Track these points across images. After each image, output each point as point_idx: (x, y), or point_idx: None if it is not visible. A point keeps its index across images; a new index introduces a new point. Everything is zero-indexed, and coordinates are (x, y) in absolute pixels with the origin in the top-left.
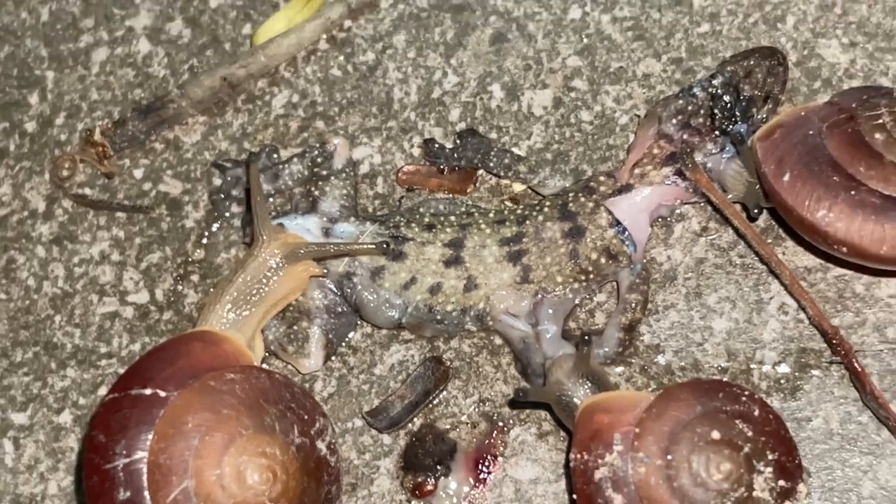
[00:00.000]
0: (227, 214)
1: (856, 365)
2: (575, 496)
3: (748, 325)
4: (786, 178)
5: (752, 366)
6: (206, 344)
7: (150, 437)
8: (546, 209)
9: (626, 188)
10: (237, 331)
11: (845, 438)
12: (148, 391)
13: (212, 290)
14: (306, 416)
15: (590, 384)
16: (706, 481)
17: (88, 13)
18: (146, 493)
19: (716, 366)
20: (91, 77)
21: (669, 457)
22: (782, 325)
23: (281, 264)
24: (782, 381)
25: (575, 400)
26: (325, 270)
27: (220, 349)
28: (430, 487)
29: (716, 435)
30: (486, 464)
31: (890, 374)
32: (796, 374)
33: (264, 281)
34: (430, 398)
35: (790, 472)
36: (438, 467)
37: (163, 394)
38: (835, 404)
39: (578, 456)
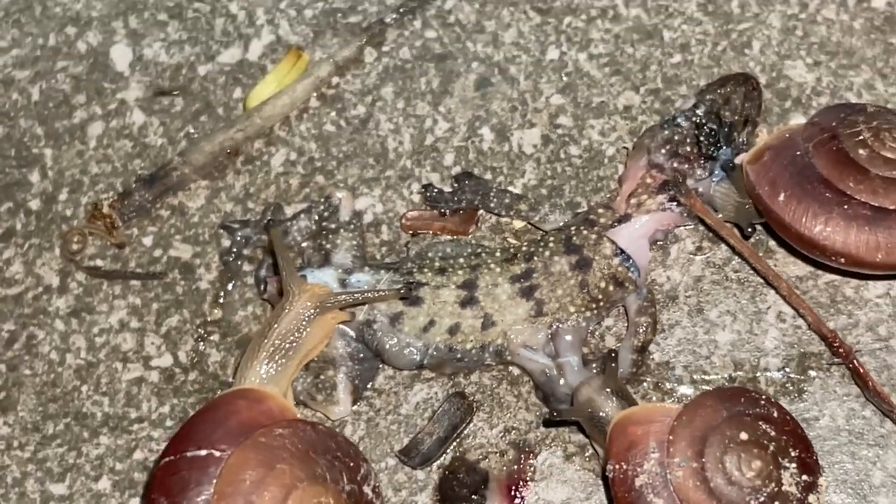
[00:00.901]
0: (240, 273)
1: (856, 364)
2: None
3: (750, 335)
4: (781, 197)
5: (757, 374)
6: (250, 402)
7: (211, 496)
8: (552, 244)
9: (625, 217)
10: (275, 385)
11: (852, 433)
12: (203, 452)
13: (239, 347)
14: (352, 464)
15: (617, 400)
16: (739, 480)
17: (79, 89)
18: None
19: (724, 376)
20: (89, 151)
21: (704, 459)
22: (782, 333)
23: (313, 315)
24: (788, 385)
25: (605, 415)
26: (353, 315)
27: (265, 406)
28: None
29: (744, 436)
30: (519, 490)
31: (886, 370)
32: (800, 377)
33: (298, 332)
34: (458, 432)
35: (811, 467)
36: (474, 497)
37: (217, 453)
38: (839, 402)
39: (617, 466)
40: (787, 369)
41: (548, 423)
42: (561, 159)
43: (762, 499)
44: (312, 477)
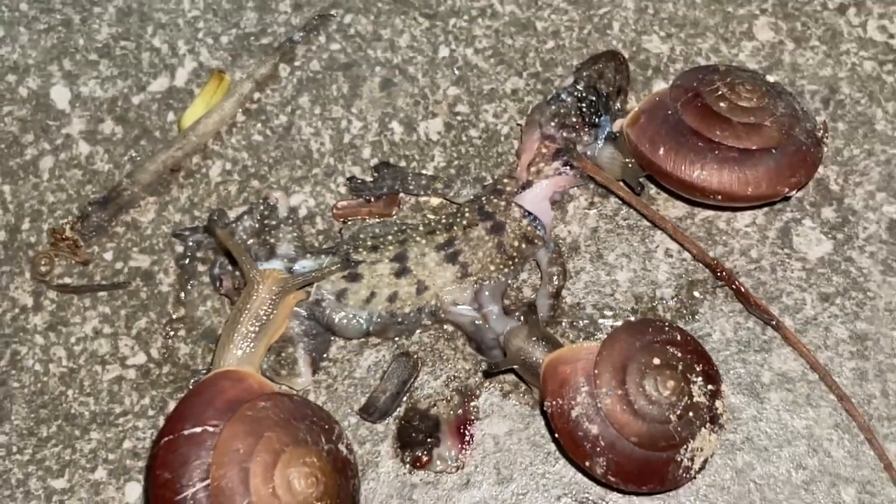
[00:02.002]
0: (196, 274)
1: (737, 284)
2: (557, 435)
3: (644, 271)
4: (661, 151)
5: (655, 303)
6: (232, 381)
7: (209, 466)
8: (467, 214)
9: (528, 184)
10: (250, 364)
11: (740, 343)
12: (198, 429)
13: (204, 338)
14: (326, 426)
15: (544, 344)
16: (658, 399)
17: (27, 130)
18: None
19: (627, 309)
20: (44, 183)
21: (626, 386)
22: (671, 266)
23: (277, 297)
24: (682, 310)
25: (536, 360)
26: (309, 294)
27: (246, 384)
28: (426, 458)
29: (656, 361)
30: (467, 428)
31: (761, 286)
32: (691, 301)
33: (265, 316)
34: (408, 386)
35: (713, 377)
36: (429, 440)
37: (211, 429)
38: (726, 318)
39: (554, 402)
40: (680, 296)
41: (487, 374)
42: (463, 142)
43: (679, 411)
44: (296, 441)
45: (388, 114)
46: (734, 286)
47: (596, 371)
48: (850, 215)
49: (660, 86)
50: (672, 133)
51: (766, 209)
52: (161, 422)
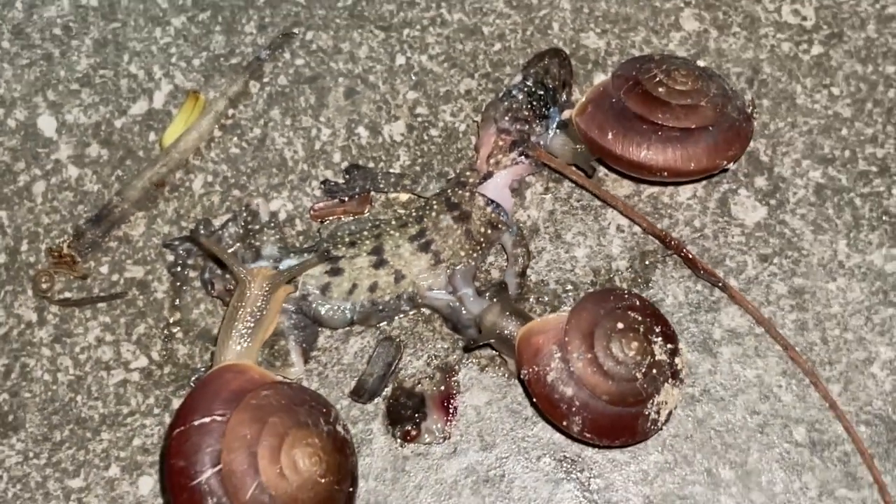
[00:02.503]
0: (188, 280)
1: (685, 252)
2: (535, 399)
3: (599, 247)
4: (609, 136)
5: (612, 275)
6: (235, 374)
7: (220, 452)
8: (436, 206)
9: (488, 175)
10: (249, 358)
11: (692, 305)
12: (207, 419)
13: (200, 338)
14: (324, 409)
15: (516, 318)
16: (625, 359)
17: (18, 158)
18: (230, 495)
19: (587, 282)
20: (38, 206)
21: (594, 350)
22: (623, 241)
23: (268, 294)
24: (637, 279)
25: (510, 333)
26: (297, 287)
27: (248, 375)
28: (415, 432)
29: (620, 325)
30: (451, 401)
31: (706, 252)
32: (644, 270)
33: (258, 312)
34: (393, 368)
35: (671, 336)
36: (416, 416)
37: (219, 418)
38: (677, 283)
39: (530, 370)
40: (633, 267)
41: (467, 349)
42: (425, 141)
43: (643, 370)
44: (298, 424)
45: (353, 120)
46: (682, 254)
47: (566, 338)
48: (780, 182)
49: (600, 78)
50: (618, 118)
51: (705, 182)
52: (167, 419)
